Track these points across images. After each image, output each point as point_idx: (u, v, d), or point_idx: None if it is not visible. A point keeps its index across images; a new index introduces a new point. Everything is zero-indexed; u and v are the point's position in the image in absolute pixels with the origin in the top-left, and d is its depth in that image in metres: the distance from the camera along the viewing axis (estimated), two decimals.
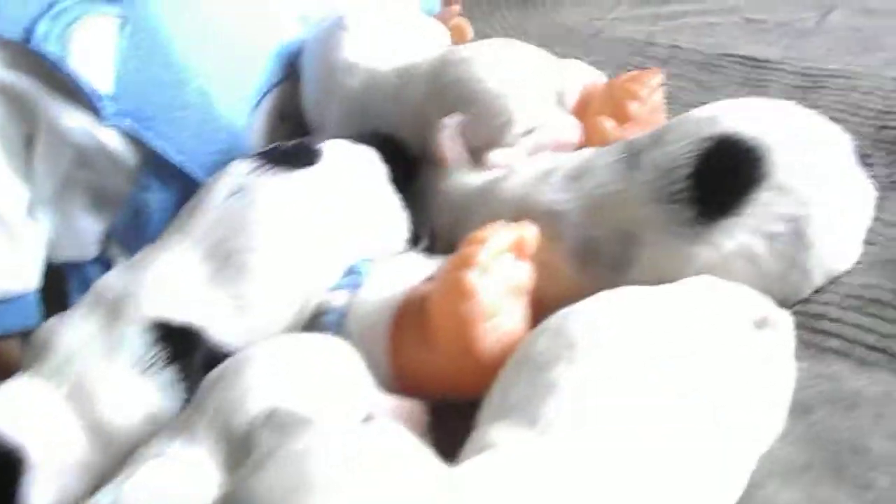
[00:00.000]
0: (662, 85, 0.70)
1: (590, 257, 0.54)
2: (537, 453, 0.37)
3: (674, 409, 0.40)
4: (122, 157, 0.64)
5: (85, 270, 0.68)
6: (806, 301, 0.52)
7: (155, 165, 0.65)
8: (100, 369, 0.49)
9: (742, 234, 0.51)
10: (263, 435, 0.39)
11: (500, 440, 0.38)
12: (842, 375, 0.48)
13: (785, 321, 0.48)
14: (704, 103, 0.77)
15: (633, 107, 0.65)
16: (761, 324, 0.47)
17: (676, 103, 0.82)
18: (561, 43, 1.00)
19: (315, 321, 0.53)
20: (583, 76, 0.74)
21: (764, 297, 0.50)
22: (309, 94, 0.72)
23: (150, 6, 0.64)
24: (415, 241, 0.59)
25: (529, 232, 0.51)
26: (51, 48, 0.60)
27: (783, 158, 0.51)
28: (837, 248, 0.53)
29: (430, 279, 0.53)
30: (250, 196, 0.54)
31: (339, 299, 0.53)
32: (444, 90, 0.62)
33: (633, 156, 0.55)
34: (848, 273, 0.53)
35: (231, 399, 0.43)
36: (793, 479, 0.42)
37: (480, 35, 1.05)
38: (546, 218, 0.54)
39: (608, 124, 0.64)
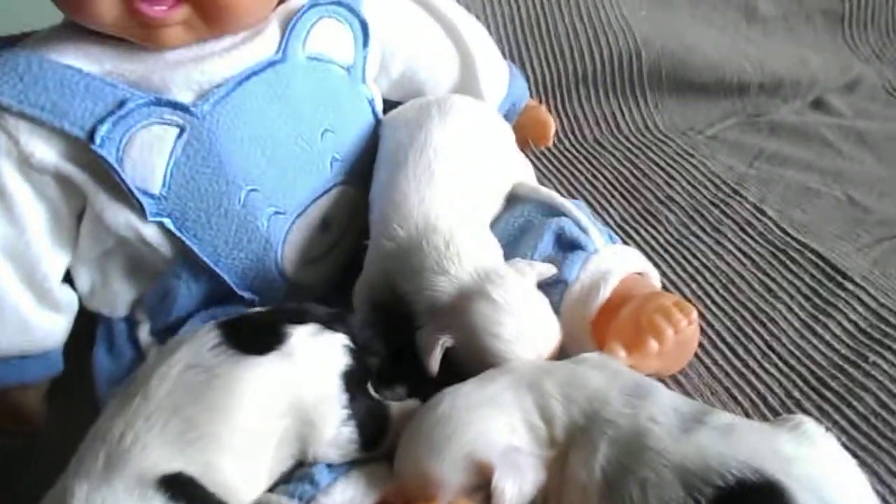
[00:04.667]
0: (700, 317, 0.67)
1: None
2: None
3: None
4: (159, 248, 0.67)
5: (111, 323, 0.73)
6: None
7: (188, 259, 0.68)
8: None
9: None
10: None
11: None
12: None
13: None
14: (758, 322, 0.73)
15: (653, 345, 0.62)
16: None
17: (728, 305, 0.76)
18: (644, 157, 0.94)
19: None
20: (632, 265, 0.71)
21: None
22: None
23: (211, 120, 0.64)
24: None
25: None
26: (109, 152, 0.62)
27: None
28: None
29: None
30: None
31: None
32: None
33: (694, 421, 0.50)
34: None
35: None
36: None
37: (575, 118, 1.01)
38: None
39: (621, 354, 0.62)
